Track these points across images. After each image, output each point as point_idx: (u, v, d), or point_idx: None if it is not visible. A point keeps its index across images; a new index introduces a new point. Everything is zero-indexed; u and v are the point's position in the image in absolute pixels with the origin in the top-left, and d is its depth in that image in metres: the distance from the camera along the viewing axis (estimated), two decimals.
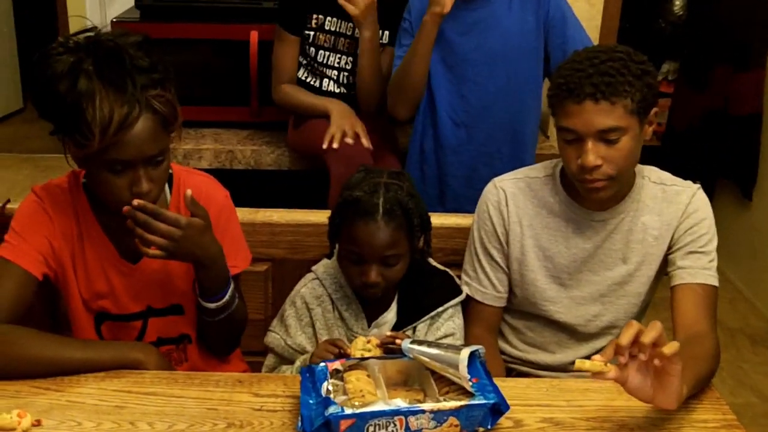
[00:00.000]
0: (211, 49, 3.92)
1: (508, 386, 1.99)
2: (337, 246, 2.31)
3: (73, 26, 4.53)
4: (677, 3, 5.00)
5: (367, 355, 2.04)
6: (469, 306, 2.44)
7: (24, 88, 7.60)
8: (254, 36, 3.77)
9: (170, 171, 2.19)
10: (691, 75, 4.90)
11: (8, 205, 2.48)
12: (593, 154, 2.12)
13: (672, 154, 4.89)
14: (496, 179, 2.45)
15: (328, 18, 3.46)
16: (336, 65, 3.54)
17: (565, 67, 2.16)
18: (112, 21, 3.88)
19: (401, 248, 2.21)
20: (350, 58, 3.52)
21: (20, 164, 6.47)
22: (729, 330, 4.54)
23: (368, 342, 2.09)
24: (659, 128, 5.20)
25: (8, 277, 2.04)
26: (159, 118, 1.94)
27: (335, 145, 3.24)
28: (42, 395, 1.90)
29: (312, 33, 3.50)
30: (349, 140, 3.24)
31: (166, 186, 2.18)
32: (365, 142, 3.27)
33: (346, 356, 2.05)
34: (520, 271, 2.41)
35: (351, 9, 3.23)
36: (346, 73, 3.56)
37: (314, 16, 3.47)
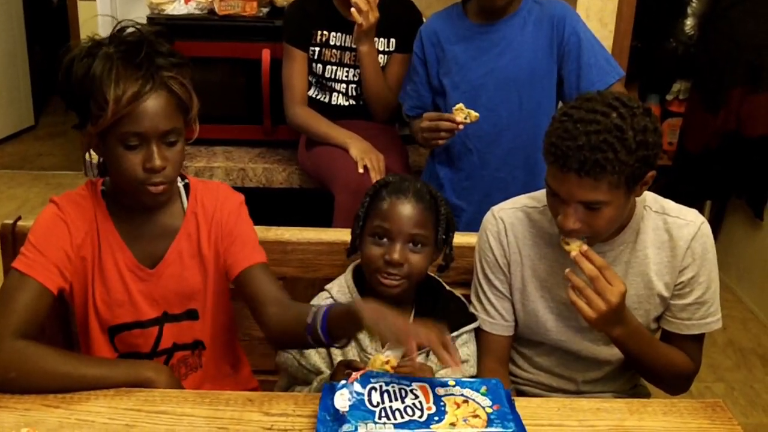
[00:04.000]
0: (223, 67, 3.93)
1: (519, 406, 1.98)
2: (358, 252, 2.34)
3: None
4: (688, 23, 5.00)
5: (387, 367, 2.03)
6: (478, 338, 2.42)
7: (36, 106, 7.64)
8: (266, 54, 3.78)
9: (187, 181, 2.25)
10: (704, 96, 4.89)
11: (20, 222, 2.48)
12: (573, 218, 2.08)
13: (684, 174, 4.89)
14: (495, 208, 2.42)
15: (333, 33, 3.51)
16: (345, 79, 3.57)
17: (559, 128, 2.05)
18: None
19: (427, 230, 2.25)
20: (357, 71, 3.54)
21: (31, 181, 6.50)
22: (741, 350, 4.53)
23: (387, 362, 2.07)
24: (670, 147, 5.20)
25: (23, 291, 2.03)
26: (174, 98, 2.01)
27: (361, 171, 3.29)
28: (51, 413, 1.90)
29: (318, 49, 3.53)
30: (377, 176, 3.27)
31: (183, 194, 2.23)
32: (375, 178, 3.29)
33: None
34: (522, 301, 2.38)
35: (359, 19, 3.28)
36: (354, 86, 3.59)
37: (319, 32, 3.51)
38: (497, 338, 2.41)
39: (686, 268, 2.25)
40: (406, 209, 2.22)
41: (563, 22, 3.06)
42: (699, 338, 2.33)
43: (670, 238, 2.26)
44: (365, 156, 3.34)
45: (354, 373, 1.90)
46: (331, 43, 3.52)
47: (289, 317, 2.09)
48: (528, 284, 2.36)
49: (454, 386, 1.91)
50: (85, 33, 4.56)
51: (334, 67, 3.55)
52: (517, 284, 2.37)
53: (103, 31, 4.37)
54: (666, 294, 2.29)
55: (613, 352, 2.34)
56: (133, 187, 2.04)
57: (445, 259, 2.36)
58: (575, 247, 2.09)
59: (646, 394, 2.54)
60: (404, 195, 2.23)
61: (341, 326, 1.96)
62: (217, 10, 3.93)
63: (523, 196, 2.43)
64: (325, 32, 3.51)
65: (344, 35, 3.49)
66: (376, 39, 3.47)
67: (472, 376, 2.32)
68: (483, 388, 1.91)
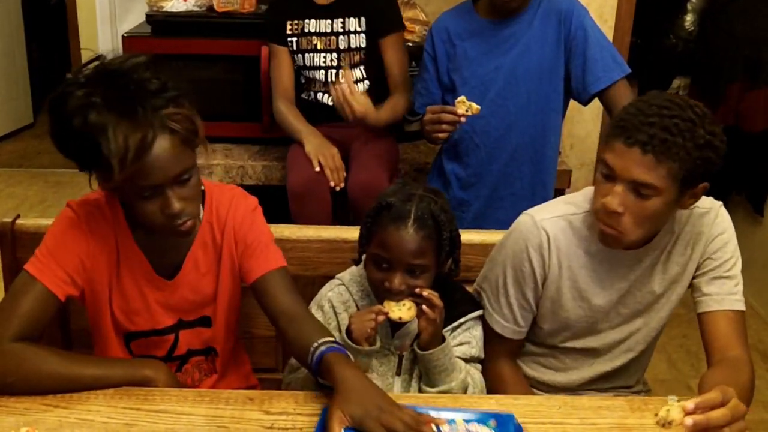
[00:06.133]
0: (222, 64, 3.92)
1: (520, 404, 1.98)
2: (363, 256, 2.33)
3: (84, 40, 4.55)
4: (688, 19, 4.99)
5: (404, 308, 2.15)
6: (489, 337, 2.39)
7: (34, 104, 7.63)
8: (265, 51, 3.77)
9: (203, 187, 2.18)
10: (703, 91, 4.88)
11: (18, 221, 2.47)
12: (619, 199, 2.05)
13: None
14: (535, 216, 2.32)
15: (306, 21, 3.51)
16: (323, 64, 3.56)
17: (635, 104, 2.06)
18: (123, 36, 3.89)
19: (428, 259, 2.20)
20: (335, 55, 3.55)
21: (30, 180, 6.49)
22: None
23: (403, 304, 2.15)
24: None
25: (30, 295, 2.02)
26: (178, 137, 1.91)
27: (317, 169, 3.31)
28: (51, 413, 1.89)
29: (294, 39, 3.54)
30: (332, 183, 3.31)
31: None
32: (332, 182, 3.32)
33: (384, 314, 2.13)
34: (553, 309, 2.34)
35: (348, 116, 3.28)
36: (333, 71, 3.58)
37: (293, 22, 3.52)
38: (507, 339, 2.39)
39: (708, 247, 2.26)
40: (406, 239, 2.17)
41: (570, 17, 3.07)
42: (737, 324, 2.26)
43: (691, 227, 2.26)
44: (318, 152, 3.36)
45: None
46: (306, 30, 3.52)
47: (296, 341, 2.05)
48: (564, 294, 2.32)
49: (460, 423, 1.89)
50: (83, 31, 4.58)
51: (312, 54, 3.56)
52: (550, 294, 2.33)
53: (102, 30, 4.39)
54: (689, 278, 2.30)
55: (623, 352, 2.38)
56: (158, 229, 2.02)
57: (449, 275, 2.34)
58: (677, 413, 1.75)
59: (647, 391, 2.54)
60: (404, 224, 2.17)
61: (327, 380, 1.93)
62: (215, 6, 3.92)
63: (560, 200, 2.40)
64: (298, 21, 3.52)
65: (318, 21, 3.51)
66: (344, 19, 3.50)
67: (474, 357, 2.34)
68: (492, 422, 1.89)
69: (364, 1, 3.49)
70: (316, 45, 3.53)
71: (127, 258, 2.14)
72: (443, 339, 2.20)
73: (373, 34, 3.52)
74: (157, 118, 1.86)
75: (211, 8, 3.96)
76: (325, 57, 3.55)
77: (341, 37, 3.51)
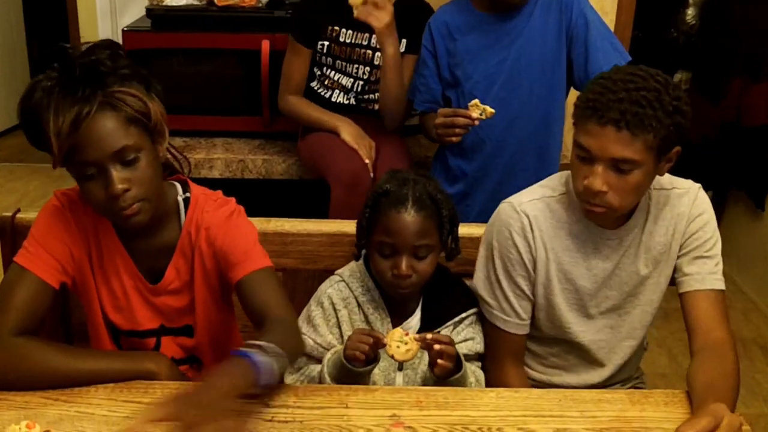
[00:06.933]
0: (223, 58, 3.91)
1: (520, 397, 1.98)
2: (363, 250, 2.34)
3: (84, 35, 4.54)
4: (689, 12, 4.99)
5: (403, 347, 2.07)
6: (492, 336, 2.39)
7: None
8: (266, 45, 3.77)
9: (188, 195, 2.18)
10: (704, 86, 4.88)
11: (18, 215, 2.47)
12: (601, 179, 2.06)
13: (684, 164, 4.87)
14: (514, 202, 2.33)
15: (344, 30, 3.46)
16: (354, 74, 3.54)
17: (599, 83, 2.08)
18: (123, 30, 3.88)
19: (431, 239, 2.24)
20: (367, 68, 3.52)
21: (31, 174, 6.48)
22: (742, 340, 4.51)
23: (406, 335, 2.09)
24: None
25: (23, 287, 2.02)
26: (122, 114, 1.92)
27: (366, 160, 3.30)
28: (51, 406, 1.89)
29: (327, 44, 3.50)
30: (369, 164, 3.29)
31: (182, 210, 2.17)
32: (370, 166, 3.31)
33: (381, 345, 2.10)
34: (546, 296, 2.34)
35: (374, 23, 3.20)
36: (362, 83, 3.56)
37: (330, 27, 3.47)
38: (512, 336, 2.38)
39: (688, 227, 2.28)
40: (408, 222, 2.20)
41: (571, 5, 3.06)
42: (718, 304, 2.24)
43: (670, 209, 2.28)
44: (360, 144, 3.36)
45: None
46: (341, 39, 3.48)
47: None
48: (552, 278, 2.32)
49: None
50: (84, 27, 4.57)
51: (344, 63, 3.52)
52: (541, 279, 2.32)
53: (103, 25, 4.38)
54: (674, 259, 2.30)
55: (624, 341, 2.38)
56: (104, 213, 2.02)
57: (451, 254, 2.35)
58: None
59: (640, 376, 2.56)
60: (404, 207, 2.21)
61: None
62: (216, 0, 3.92)
63: (535, 186, 2.40)
64: (336, 27, 3.46)
65: (355, 33, 3.46)
66: None
67: (479, 353, 2.35)
68: None
69: (408, 23, 3.42)
70: (350, 55, 3.50)
71: (111, 255, 2.14)
72: (459, 363, 2.17)
73: (405, 52, 3.50)
74: (98, 95, 1.89)
75: (211, 2, 3.95)
76: (357, 69, 3.53)
77: (377, 53, 3.47)
